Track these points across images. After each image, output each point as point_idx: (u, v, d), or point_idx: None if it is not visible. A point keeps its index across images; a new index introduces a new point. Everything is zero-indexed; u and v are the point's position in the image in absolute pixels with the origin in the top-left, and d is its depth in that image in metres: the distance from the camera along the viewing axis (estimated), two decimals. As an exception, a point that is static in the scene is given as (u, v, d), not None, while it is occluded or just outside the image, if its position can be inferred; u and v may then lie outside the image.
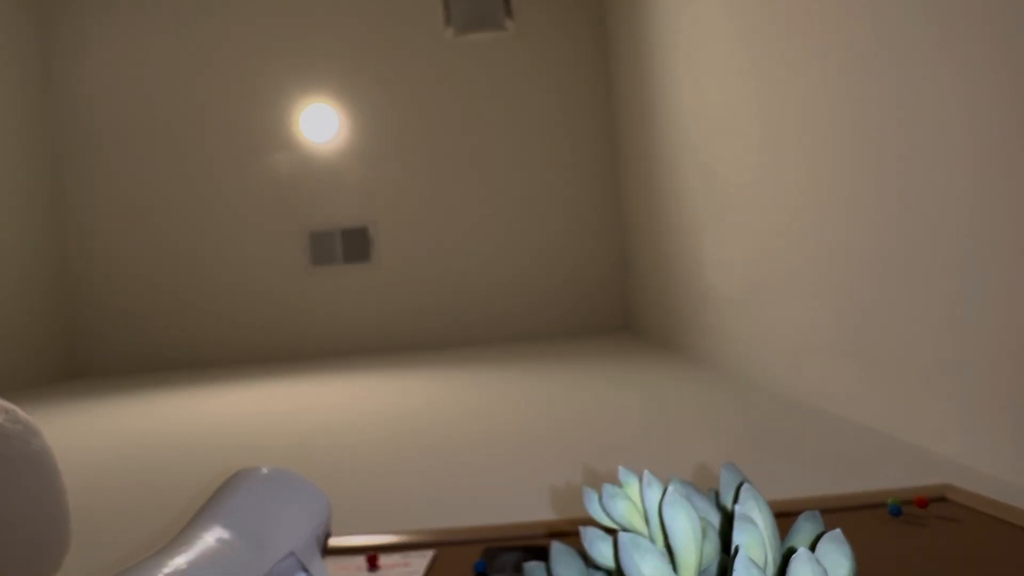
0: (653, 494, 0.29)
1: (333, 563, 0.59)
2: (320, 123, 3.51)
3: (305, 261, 3.42)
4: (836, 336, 1.26)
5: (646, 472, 0.30)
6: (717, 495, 0.34)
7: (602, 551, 0.29)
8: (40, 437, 0.65)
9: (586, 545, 0.30)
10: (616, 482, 0.94)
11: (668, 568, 0.26)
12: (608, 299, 3.47)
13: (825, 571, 0.26)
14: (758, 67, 1.54)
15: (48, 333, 3.34)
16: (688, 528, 0.27)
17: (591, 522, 0.63)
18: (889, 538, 0.59)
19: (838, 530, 0.29)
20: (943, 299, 0.93)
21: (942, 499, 0.67)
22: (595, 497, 0.31)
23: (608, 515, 0.30)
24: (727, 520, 0.32)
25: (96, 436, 1.68)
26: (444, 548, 0.62)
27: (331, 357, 3.39)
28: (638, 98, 2.80)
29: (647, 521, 0.30)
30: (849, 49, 1.14)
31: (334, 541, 0.63)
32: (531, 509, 0.81)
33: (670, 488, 0.28)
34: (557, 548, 0.32)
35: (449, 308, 3.48)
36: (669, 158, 2.36)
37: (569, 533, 0.63)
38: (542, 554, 0.60)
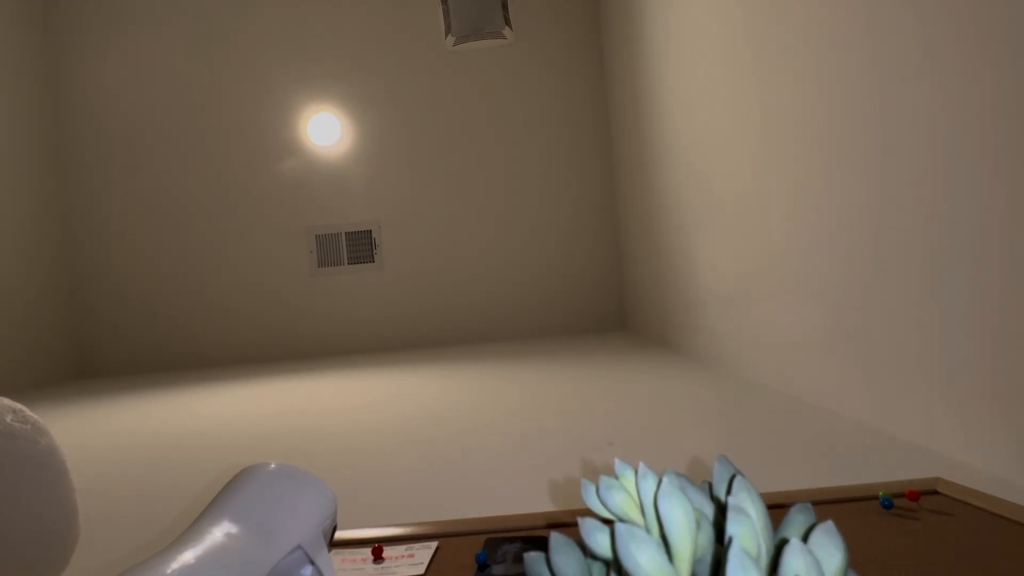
0: (648, 485, 0.30)
1: (339, 555, 0.61)
2: (324, 129, 3.53)
3: (311, 263, 3.43)
4: (827, 333, 1.28)
5: (641, 464, 0.31)
6: (711, 487, 0.35)
7: (599, 541, 0.30)
8: (48, 436, 0.66)
9: (584, 535, 0.31)
10: (613, 474, 0.95)
11: (663, 557, 0.27)
12: (606, 299, 3.48)
13: (817, 562, 0.27)
14: (751, 74, 1.54)
15: (55, 333, 3.35)
16: (683, 519, 0.28)
17: (589, 513, 0.64)
18: (880, 530, 0.60)
19: (830, 521, 0.30)
20: (932, 296, 0.94)
21: (934, 492, 0.68)
22: (593, 489, 0.33)
23: (605, 506, 0.31)
24: (720, 511, 0.33)
25: (103, 435, 1.69)
26: (447, 539, 0.63)
27: (336, 356, 3.41)
28: (633, 104, 2.81)
29: (643, 512, 0.31)
30: (844, 56, 1.15)
31: (340, 534, 0.64)
32: (531, 501, 0.83)
33: (665, 480, 0.29)
34: (556, 539, 0.34)
35: (451, 307, 3.50)
36: (663, 162, 2.38)
37: (568, 524, 0.64)
38: (542, 544, 0.61)
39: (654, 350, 2.41)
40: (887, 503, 0.64)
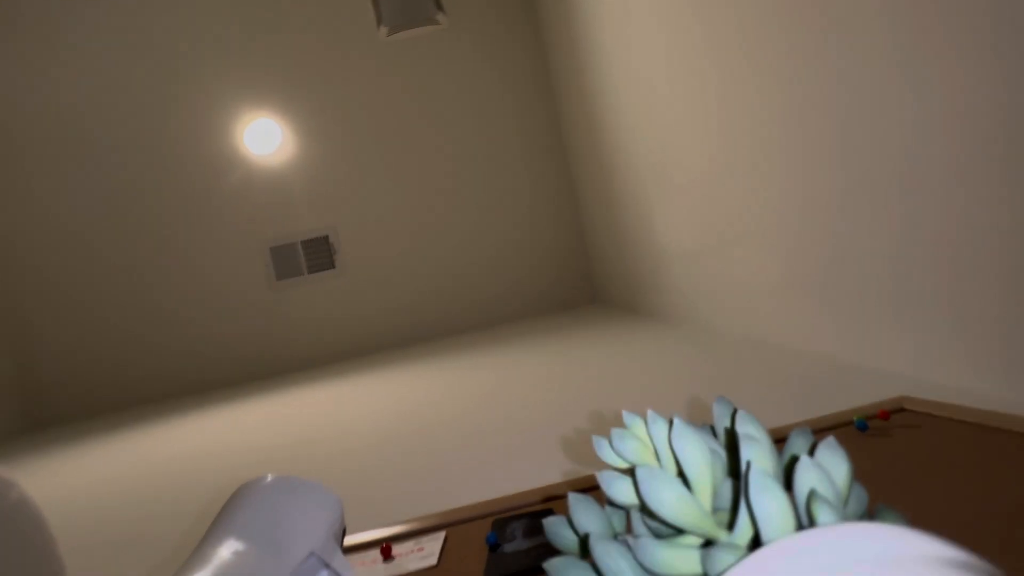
0: (660, 429, 0.31)
1: (348, 559, 0.60)
2: (264, 136, 3.40)
3: (269, 276, 3.31)
4: (787, 277, 1.34)
5: (650, 411, 0.32)
6: (712, 429, 0.37)
7: (621, 490, 0.31)
8: (17, 488, 0.62)
9: (604, 487, 0.32)
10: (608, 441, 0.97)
11: (687, 492, 0.28)
12: (572, 275, 3.52)
13: (828, 473, 0.29)
14: (696, 38, 1.58)
15: (1, 386, 3.13)
16: (699, 452, 0.29)
17: (589, 484, 0.66)
18: (858, 451, 0.64)
19: (831, 437, 0.32)
20: (883, 230, 1.00)
21: (901, 409, 0.73)
22: (606, 443, 0.33)
23: (621, 456, 0.32)
24: (727, 449, 0.34)
25: (74, 483, 1.60)
26: (453, 528, 0.63)
27: (310, 369, 3.32)
28: (577, 79, 2.83)
29: (658, 456, 0.32)
30: (792, 15, 1.19)
31: (347, 540, 0.63)
32: (531, 478, 0.84)
33: (676, 421, 0.30)
34: (574, 497, 0.34)
35: (420, 304, 3.46)
36: (613, 134, 2.41)
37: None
38: (548, 515, 0.62)
39: (625, 318, 2.46)
40: (862, 425, 0.68)
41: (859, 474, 0.59)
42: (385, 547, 0.60)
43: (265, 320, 3.35)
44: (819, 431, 0.70)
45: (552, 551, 0.55)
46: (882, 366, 1.05)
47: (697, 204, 1.73)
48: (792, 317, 1.34)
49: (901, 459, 0.61)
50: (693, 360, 1.42)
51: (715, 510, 0.31)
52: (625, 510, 0.34)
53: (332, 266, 3.34)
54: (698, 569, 0.27)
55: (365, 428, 1.48)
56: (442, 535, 0.62)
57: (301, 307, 3.38)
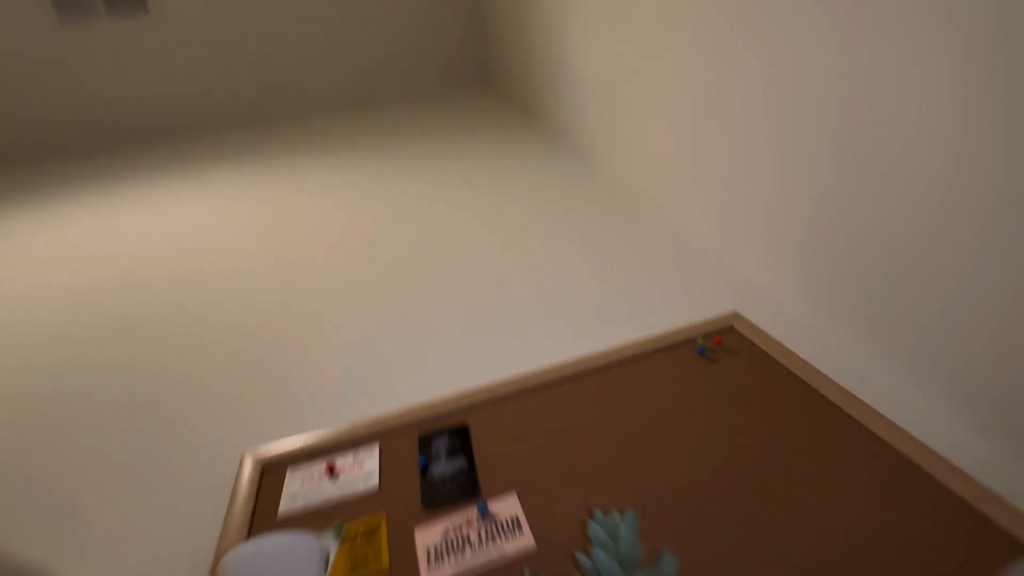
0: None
1: (298, 475, 0.71)
2: None
3: (48, 18, 2.20)
4: (680, 158, 1.38)
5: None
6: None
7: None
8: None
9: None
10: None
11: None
12: (464, 55, 2.85)
13: None
14: None
15: None
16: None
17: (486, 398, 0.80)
18: (694, 374, 0.85)
19: None
20: (766, 143, 1.06)
21: (731, 328, 0.94)
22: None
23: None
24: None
25: None
26: (386, 437, 0.76)
27: (113, 151, 2.45)
28: None
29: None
30: None
31: (289, 443, 0.74)
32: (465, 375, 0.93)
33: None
34: None
35: (273, 72, 2.57)
36: None
37: (497, 401, 0.80)
38: (463, 434, 0.78)
39: (520, 120, 2.23)
40: (702, 351, 0.88)
41: (688, 397, 0.82)
42: (329, 466, 0.72)
43: (46, 78, 2.34)
44: (667, 349, 0.90)
45: (470, 471, 0.72)
46: (734, 259, 1.26)
47: (617, 50, 1.55)
48: (675, 192, 1.43)
49: (719, 385, 0.84)
50: (582, 201, 1.48)
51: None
52: None
53: (143, 7, 2.26)
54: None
55: (223, 252, 1.31)
56: (376, 448, 0.75)
57: (97, 63, 2.36)
